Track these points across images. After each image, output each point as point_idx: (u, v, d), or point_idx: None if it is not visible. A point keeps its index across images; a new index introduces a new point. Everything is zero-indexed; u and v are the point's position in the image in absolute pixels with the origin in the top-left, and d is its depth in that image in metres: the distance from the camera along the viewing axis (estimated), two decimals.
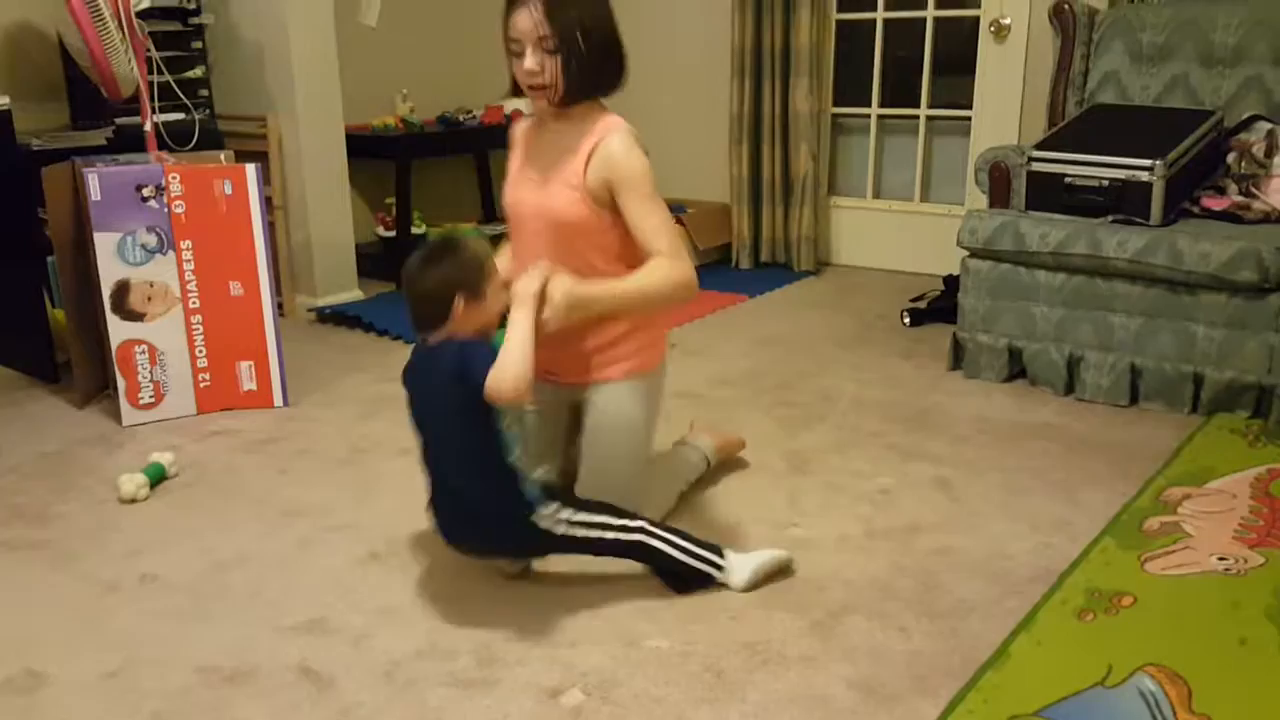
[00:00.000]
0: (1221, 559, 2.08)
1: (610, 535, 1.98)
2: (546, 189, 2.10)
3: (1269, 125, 3.10)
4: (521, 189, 2.17)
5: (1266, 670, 1.73)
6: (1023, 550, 2.17)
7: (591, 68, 2.02)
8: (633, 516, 2.01)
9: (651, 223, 2.03)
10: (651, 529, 2.00)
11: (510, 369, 1.78)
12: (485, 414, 1.85)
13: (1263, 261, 2.68)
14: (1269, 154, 3.03)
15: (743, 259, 4.72)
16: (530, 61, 1.99)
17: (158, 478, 2.54)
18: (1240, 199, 3.01)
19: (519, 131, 2.25)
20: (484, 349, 1.85)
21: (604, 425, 2.16)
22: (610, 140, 2.04)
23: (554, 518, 1.93)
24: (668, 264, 2.02)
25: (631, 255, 2.08)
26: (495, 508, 1.93)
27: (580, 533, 1.95)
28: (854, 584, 2.05)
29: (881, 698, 1.70)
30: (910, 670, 1.77)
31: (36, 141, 3.31)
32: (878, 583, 2.05)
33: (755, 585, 2.02)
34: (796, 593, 2.00)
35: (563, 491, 2.06)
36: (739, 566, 2.02)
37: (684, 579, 2.02)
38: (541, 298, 1.86)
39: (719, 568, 2.02)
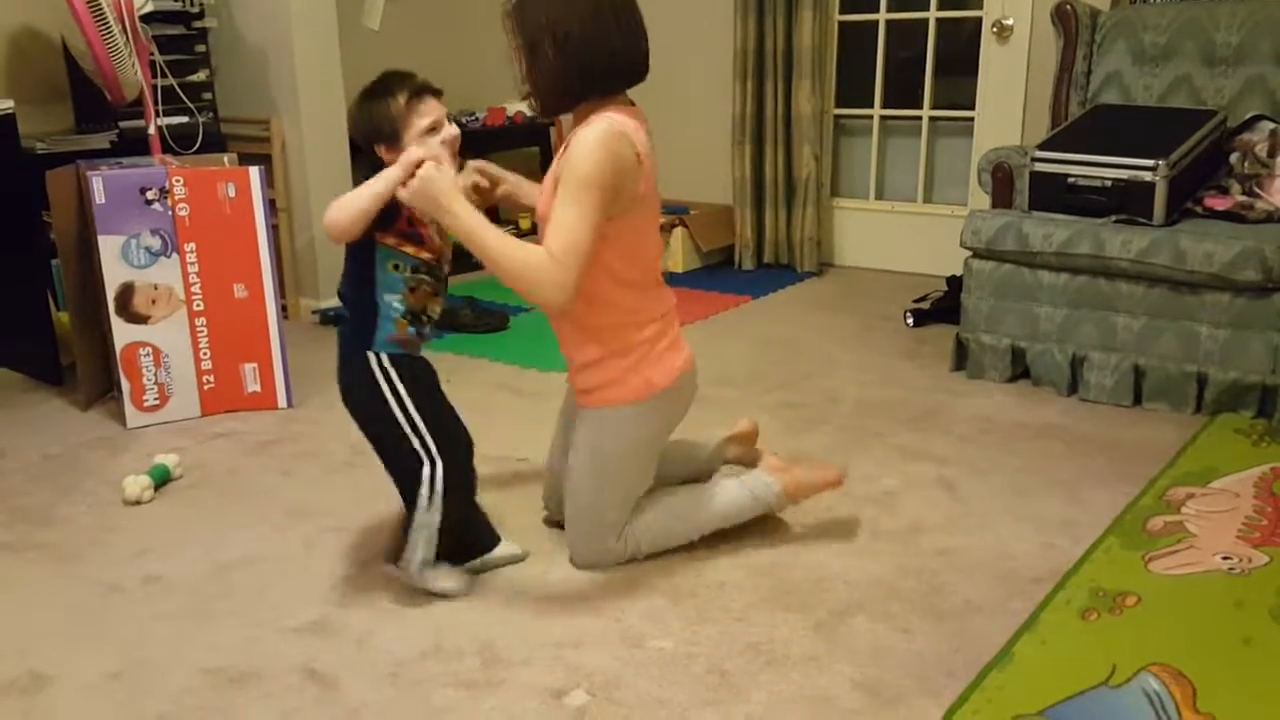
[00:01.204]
0: (1225, 558, 2.08)
1: (405, 438, 1.94)
2: (546, 183, 2.04)
3: (1272, 125, 3.09)
4: (541, 196, 2.09)
5: (1271, 669, 1.72)
6: (1027, 550, 2.17)
7: (566, 71, 1.91)
8: (446, 456, 1.95)
9: (558, 216, 1.87)
10: (439, 477, 1.94)
11: (334, 208, 1.86)
12: (365, 247, 1.93)
13: (1266, 261, 2.68)
14: (1272, 154, 3.03)
15: (746, 260, 4.72)
16: (516, 69, 1.96)
17: (162, 479, 2.55)
18: (1243, 199, 3.01)
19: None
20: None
21: (576, 444, 2.11)
22: (581, 132, 1.90)
23: (383, 369, 1.95)
24: (544, 260, 1.86)
25: (634, 278, 1.99)
26: (349, 335, 1.99)
27: (389, 404, 1.94)
28: (858, 584, 2.05)
29: (886, 698, 1.70)
30: (914, 670, 1.77)
31: (41, 145, 3.32)
32: (882, 583, 2.05)
33: (459, 593, 2.02)
34: (801, 593, 2.00)
35: (413, 366, 2.01)
36: (448, 574, 2.02)
37: (406, 538, 1.97)
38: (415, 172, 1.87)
39: (428, 563, 1.98)
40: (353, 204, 1.87)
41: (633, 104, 2.00)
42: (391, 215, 1.92)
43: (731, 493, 2.16)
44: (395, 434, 1.96)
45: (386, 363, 1.96)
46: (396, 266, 1.95)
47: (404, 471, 1.98)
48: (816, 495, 2.25)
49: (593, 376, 2.06)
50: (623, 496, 2.09)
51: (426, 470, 1.95)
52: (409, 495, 1.97)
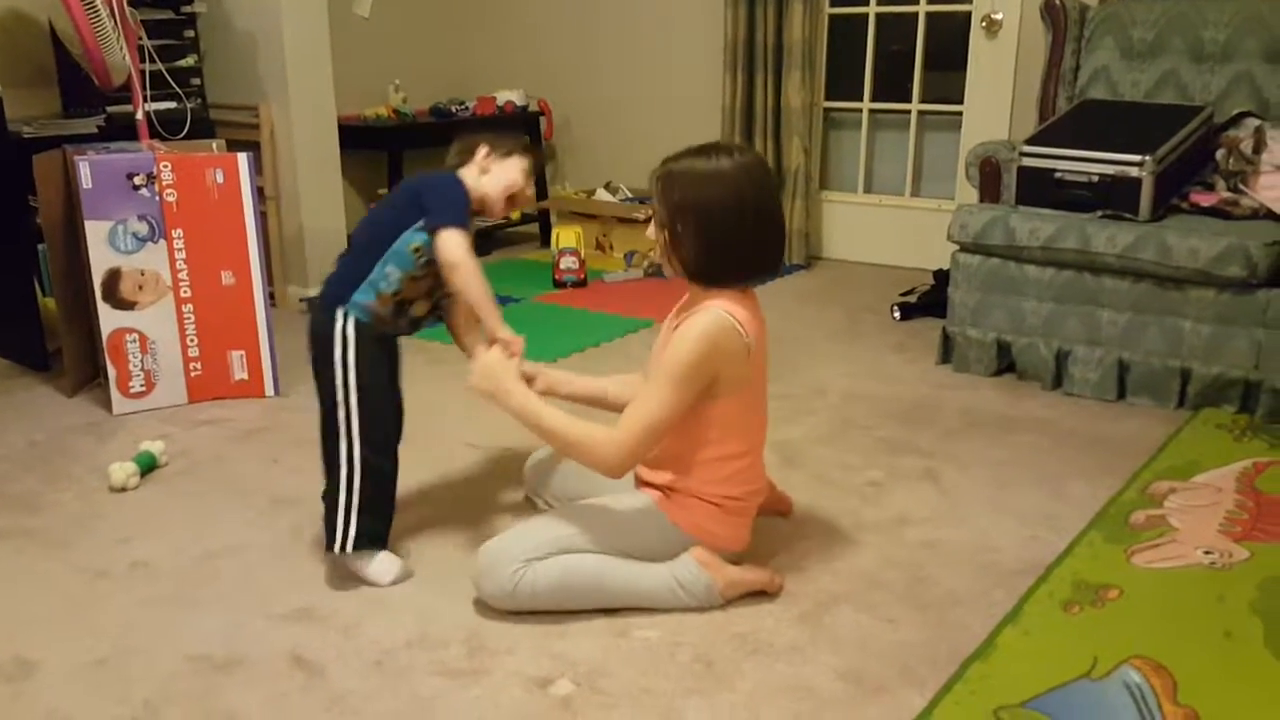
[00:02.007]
0: (1207, 552, 2.10)
1: (337, 407, 1.97)
2: (657, 357, 2.01)
3: (1257, 122, 3.11)
4: (655, 350, 2.06)
5: (1251, 662, 1.74)
6: (1010, 543, 2.18)
7: (697, 253, 1.88)
8: (367, 437, 1.99)
9: (644, 394, 1.87)
10: (356, 456, 1.99)
11: (467, 266, 1.95)
12: (393, 228, 2.00)
13: (1250, 257, 2.70)
14: (1257, 150, 3.05)
15: None
16: (650, 228, 1.96)
17: (148, 466, 2.54)
18: (1228, 195, 3.03)
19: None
20: (460, 191, 2.04)
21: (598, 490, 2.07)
22: (695, 315, 1.87)
23: (344, 333, 1.97)
24: (611, 440, 1.85)
25: (731, 452, 1.94)
26: (331, 283, 2.03)
27: (334, 367, 1.97)
28: (843, 575, 2.06)
29: (869, 688, 1.71)
30: (898, 661, 1.78)
31: (27, 129, 3.30)
32: (866, 574, 2.06)
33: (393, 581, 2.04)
34: (786, 584, 2.01)
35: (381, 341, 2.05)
36: (386, 567, 2.05)
37: (329, 528, 2.02)
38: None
39: (343, 544, 2.01)
40: (473, 284, 1.97)
41: (749, 291, 1.95)
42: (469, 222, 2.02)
43: (652, 571, 1.95)
44: (330, 399, 2.00)
45: (350, 328, 1.99)
46: (418, 250, 1.99)
47: (329, 438, 2.01)
48: (750, 589, 2.03)
49: (657, 480, 2.01)
50: (575, 543, 1.93)
51: (342, 444, 1.99)
52: (331, 466, 2.01)
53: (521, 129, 5.11)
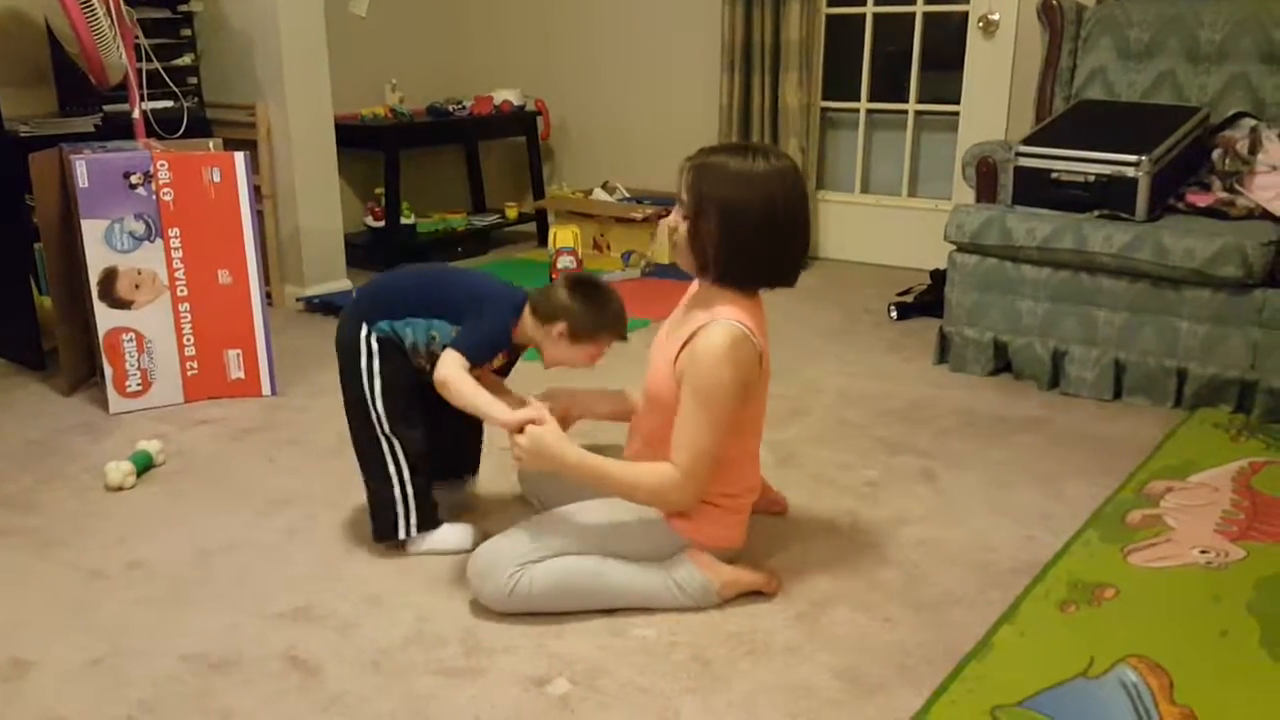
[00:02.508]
0: (1203, 552, 2.10)
1: (369, 413, 2.07)
2: (657, 356, 2.01)
3: (1253, 122, 3.12)
4: (654, 347, 2.05)
5: (1247, 662, 1.75)
6: (1006, 542, 2.18)
7: (719, 250, 1.85)
8: (402, 435, 2.07)
9: (687, 429, 1.85)
10: (399, 450, 2.09)
11: (456, 383, 1.96)
12: (438, 306, 2.07)
13: (1246, 257, 2.70)
14: (1253, 151, 3.05)
15: None
16: (672, 216, 1.93)
17: (145, 466, 2.54)
18: (1224, 195, 3.03)
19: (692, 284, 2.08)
20: (499, 339, 2.06)
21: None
22: (709, 330, 1.84)
23: (369, 345, 2.05)
24: (671, 478, 1.86)
25: (730, 456, 1.92)
26: (364, 303, 2.12)
27: (360, 378, 2.05)
28: (839, 575, 2.06)
29: (866, 687, 1.71)
30: (894, 660, 1.78)
31: (24, 128, 3.30)
32: (863, 574, 2.06)
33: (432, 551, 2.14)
34: (782, 583, 2.01)
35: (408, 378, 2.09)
36: (460, 533, 2.15)
37: (384, 523, 2.13)
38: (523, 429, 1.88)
39: (408, 530, 2.12)
40: (463, 399, 1.97)
41: (756, 295, 1.95)
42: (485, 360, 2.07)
43: (649, 572, 1.95)
44: (360, 401, 2.08)
45: (374, 340, 2.06)
46: (433, 339, 2.07)
47: (361, 438, 2.12)
48: (746, 590, 2.02)
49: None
50: (571, 545, 1.94)
51: (384, 447, 2.09)
52: (374, 468, 2.12)
53: (519, 129, 5.12)
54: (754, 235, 1.84)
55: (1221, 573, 2.02)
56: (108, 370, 2.91)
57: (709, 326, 1.84)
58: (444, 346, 2.02)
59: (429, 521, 2.15)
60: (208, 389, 3.04)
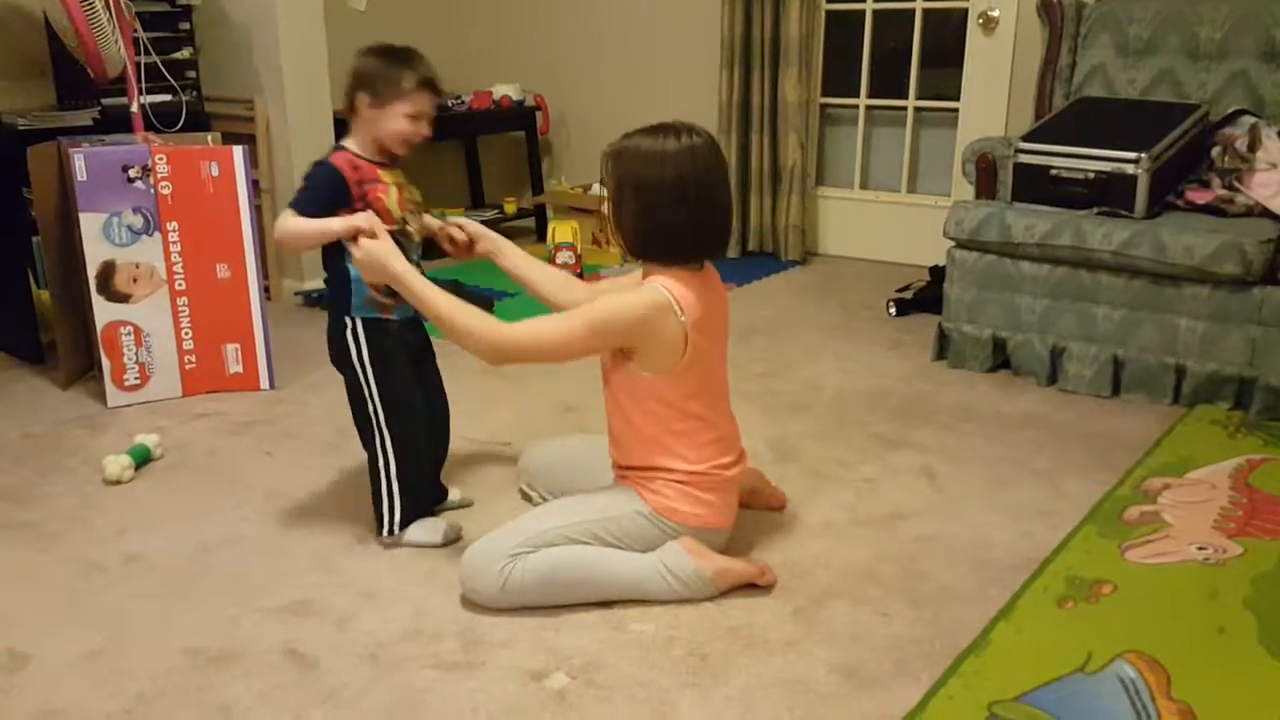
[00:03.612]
0: (1201, 548, 2.10)
1: (365, 402, 2.09)
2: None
3: (1252, 120, 3.12)
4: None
5: (1244, 658, 1.75)
6: (1005, 538, 2.18)
7: (640, 228, 1.93)
8: (397, 427, 2.10)
9: (550, 319, 1.97)
10: (389, 446, 2.11)
11: (285, 231, 2.01)
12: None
13: (1245, 255, 2.70)
14: (1252, 148, 3.05)
15: (730, 248, 4.72)
16: (607, 205, 2.01)
17: (143, 459, 2.54)
18: (1224, 193, 3.03)
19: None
20: (323, 171, 2.03)
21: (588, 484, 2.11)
22: (635, 292, 1.94)
23: (355, 336, 2.06)
24: (488, 328, 1.92)
25: (679, 424, 1.96)
26: (330, 298, 2.12)
27: (354, 370, 2.07)
28: (837, 570, 2.06)
29: (863, 682, 1.71)
30: (892, 655, 1.78)
31: (22, 121, 3.29)
32: (861, 569, 2.07)
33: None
34: (780, 579, 2.01)
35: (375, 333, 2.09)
36: (429, 529, 2.16)
37: (376, 516, 2.16)
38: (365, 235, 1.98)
39: (391, 528, 2.14)
40: (300, 236, 2.01)
41: (706, 267, 2.00)
42: (347, 195, 2.02)
43: (641, 560, 1.95)
44: (358, 397, 2.11)
45: (360, 330, 2.07)
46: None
47: (363, 431, 2.14)
48: (741, 581, 2.00)
49: (629, 461, 2.04)
50: (562, 534, 1.94)
51: (375, 430, 2.11)
52: (370, 459, 2.14)
53: (518, 124, 5.11)
54: (668, 212, 1.90)
55: (1219, 569, 2.02)
56: (106, 364, 2.91)
57: (641, 288, 1.94)
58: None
59: (412, 518, 2.16)
60: (206, 383, 3.03)
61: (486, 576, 1.89)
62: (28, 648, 1.82)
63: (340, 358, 2.10)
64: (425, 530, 2.16)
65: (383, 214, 2.04)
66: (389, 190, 2.07)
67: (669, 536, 1.97)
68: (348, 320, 2.07)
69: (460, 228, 2.19)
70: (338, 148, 2.09)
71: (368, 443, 2.14)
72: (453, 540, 2.15)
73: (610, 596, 1.93)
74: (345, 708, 1.66)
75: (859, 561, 2.09)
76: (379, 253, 1.96)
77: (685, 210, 1.90)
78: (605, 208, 1.99)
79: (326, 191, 2.02)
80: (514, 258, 2.23)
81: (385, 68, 2.04)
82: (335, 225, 1.99)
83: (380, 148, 2.08)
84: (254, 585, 2.02)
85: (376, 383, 2.08)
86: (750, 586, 1.98)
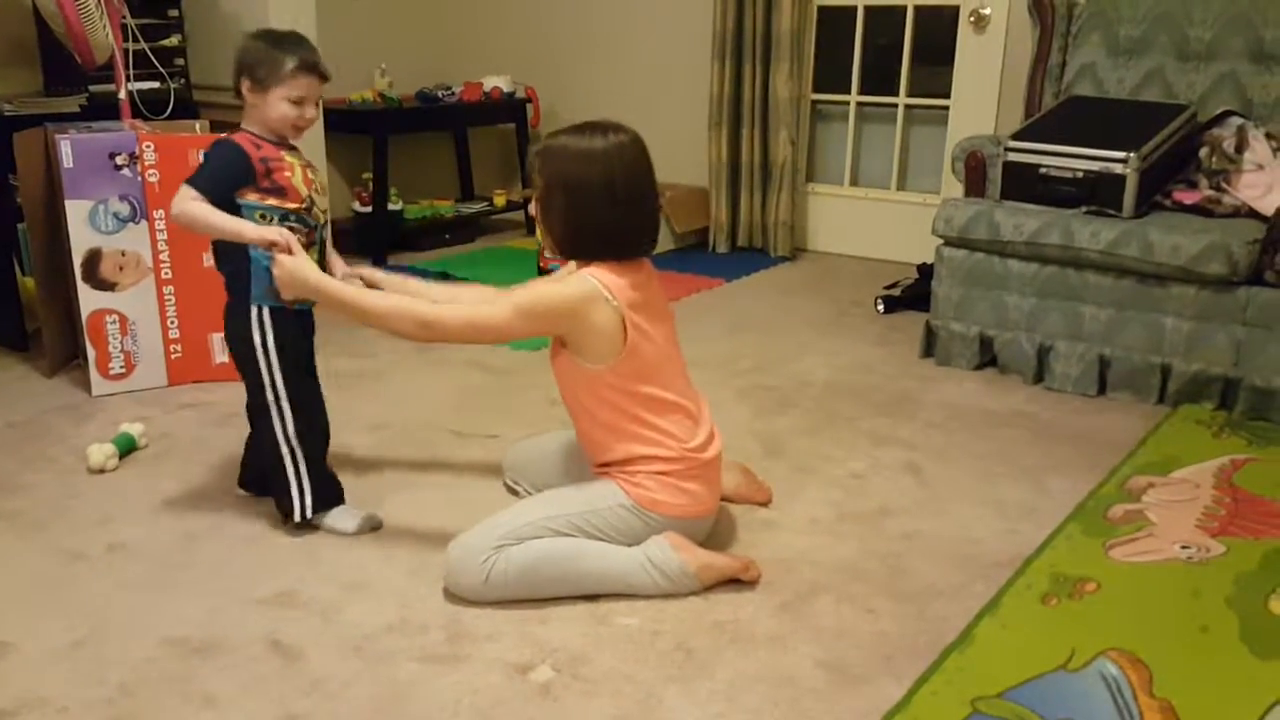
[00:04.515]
0: (1184, 547, 2.11)
1: (263, 389, 2.09)
2: None
3: (1240, 121, 3.13)
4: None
5: (1226, 656, 1.76)
6: (990, 535, 2.19)
7: (568, 225, 1.95)
8: (298, 409, 2.11)
9: (485, 308, 1.98)
10: (289, 423, 2.11)
11: (186, 213, 1.98)
12: (227, 205, 2.01)
13: (1232, 255, 2.72)
14: (1239, 149, 3.06)
15: (720, 243, 4.73)
16: (533, 205, 2.02)
17: (127, 448, 2.53)
18: (1211, 193, 3.04)
19: None
20: (226, 149, 2.02)
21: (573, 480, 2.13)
22: (566, 282, 1.96)
23: (261, 324, 2.07)
24: (415, 310, 1.96)
25: (642, 411, 1.95)
26: (230, 285, 2.11)
27: (256, 357, 2.08)
28: (823, 566, 2.06)
29: (848, 677, 1.72)
30: (877, 651, 1.79)
31: (8, 107, 3.27)
32: (847, 565, 2.07)
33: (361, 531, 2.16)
34: (766, 574, 2.02)
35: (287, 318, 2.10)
36: (346, 517, 2.16)
37: (282, 505, 2.16)
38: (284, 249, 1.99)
39: (303, 512, 2.14)
40: (207, 226, 1.99)
41: (634, 261, 1.98)
42: (252, 173, 2.02)
43: (626, 553, 1.95)
44: (257, 384, 2.11)
45: (267, 319, 2.08)
46: (264, 217, 2.04)
47: (260, 418, 2.14)
48: (728, 570, 2.00)
49: (604, 458, 2.03)
50: (547, 526, 1.94)
51: (276, 417, 2.11)
52: (271, 445, 2.13)
53: (508, 116, 5.10)
54: (597, 209, 1.92)
55: (1202, 568, 2.04)
56: (91, 352, 2.89)
57: (573, 279, 1.95)
58: (259, 207, 2.03)
59: (323, 504, 2.16)
60: (191, 373, 3.02)
61: (470, 570, 1.89)
62: (9, 636, 1.81)
63: (242, 344, 2.09)
64: (342, 517, 2.17)
65: (290, 191, 2.05)
66: (294, 169, 2.08)
67: (653, 529, 1.97)
68: (253, 309, 2.07)
69: (360, 278, 2.15)
70: (236, 129, 2.08)
71: (265, 429, 2.13)
72: (370, 529, 2.17)
73: (593, 590, 1.93)
74: (329, 699, 1.65)
75: (845, 557, 2.10)
76: (299, 271, 1.97)
77: (612, 209, 1.92)
78: (533, 208, 2.01)
79: (230, 169, 2.02)
80: (431, 293, 2.19)
81: (265, 51, 2.02)
82: (249, 232, 1.98)
83: (274, 131, 2.08)
84: (238, 576, 2.02)
85: (280, 370, 2.09)
86: (735, 581, 1.98)
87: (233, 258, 2.07)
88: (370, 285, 2.13)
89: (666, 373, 2.01)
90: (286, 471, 2.13)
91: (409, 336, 2.01)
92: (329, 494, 2.18)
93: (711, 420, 2.09)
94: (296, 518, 2.14)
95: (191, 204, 1.98)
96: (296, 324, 2.13)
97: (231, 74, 2.05)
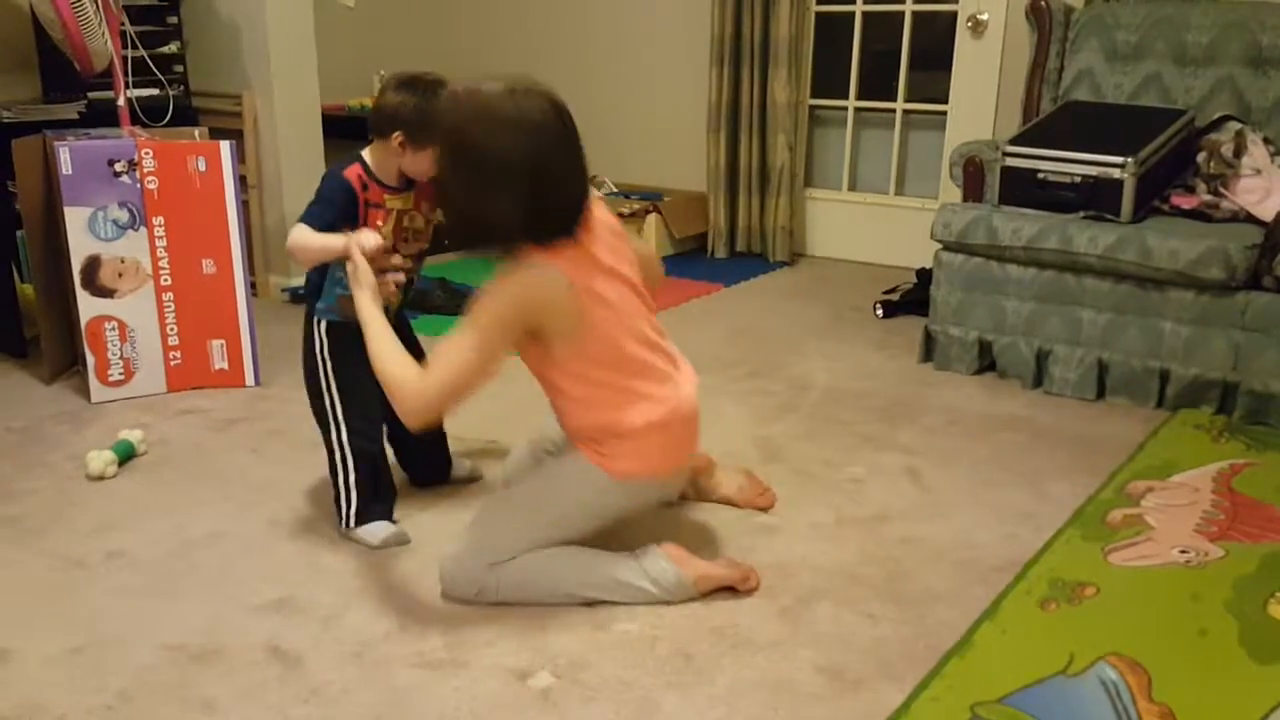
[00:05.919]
0: (1183, 551, 2.11)
1: (320, 396, 2.14)
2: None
3: (1238, 125, 3.13)
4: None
5: (1225, 660, 1.76)
6: (989, 540, 2.19)
7: (456, 215, 1.85)
8: (353, 423, 2.14)
9: (453, 341, 1.78)
10: (344, 438, 2.15)
11: (295, 247, 2.03)
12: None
13: (1230, 260, 2.72)
14: (1237, 154, 3.07)
15: (718, 248, 4.73)
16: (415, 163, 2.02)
17: (126, 455, 2.53)
18: (1209, 198, 3.05)
19: None
20: (335, 184, 2.05)
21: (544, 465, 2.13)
22: (510, 277, 1.82)
23: (319, 335, 2.13)
24: (412, 381, 1.81)
25: (607, 378, 1.87)
26: (307, 295, 2.18)
27: (315, 366, 2.14)
28: (823, 571, 2.06)
29: (848, 683, 1.72)
30: (876, 656, 1.79)
31: (7, 114, 3.27)
32: (846, 570, 2.07)
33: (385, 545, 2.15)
34: (766, 579, 2.02)
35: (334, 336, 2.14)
36: (375, 530, 2.16)
37: (335, 509, 2.20)
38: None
39: (347, 521, 2.17)
40: (305, 250, 2.03)
41: (575, 244, 1.82)
42: (353, 211, 2.06)
43: (620, 564, 1.94)
44: (315, 391, 2.17)
45: (323, 330, 2.14)
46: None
47: (322, 425, 2.19)
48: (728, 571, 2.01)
49: (582, 432, 1.97)
50: (532, 536, 1.93)
51: (332, 426, 2.15)
52: (328, 453, 2.18)
53: None
54: (477, 206, 1.79)
55: (1201, 572, 2.04)
56: (90, 359, 2.90)
57: (515, 271, 1.81)
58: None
59: (367, 518, 2.17)
60: (191, 379, 3.02)
61: (462, 590, 1.93)
62: (8, 643, 1.81)
63: (307, 353, 2.16)
64: (371, 532, 2.16)
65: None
66: (389, 217, 2.09)
67: (634, 498, 1.96)
68: (315, 321, 2.15)
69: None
70: (355, 158, 2.09)
71: (324, 436, 2.18)
72: (395, 545, 2.15)
73: (590, 599, 1.93)
74: (329, 706, 1.65)
75: (844, 562, 2.10)
76: (360, 278, 1.95)
77: (524, 194, 1.74)
78: (418, 168, 1.99)
79: (336, 206, 2.05)
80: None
81: (425, 114, 1.99)
82: (336, 243, 2.00)
83: (399, 175, 2.10)
84: (238, 582, 2.02)
85: (336, 383, 2.14)
86: (734, 588, 1.98)
87: (317, 268, 2.14)
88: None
89: (612, 357, 1.87)
90: (338, 479, 2.17)
91: (408, 417, 1.83)
92: (374, 510, 2.18)
93: (686, 364, 2.00)
94: (341, 527, 2.18)
95: (292, 234, 2.03)
96: (358, 340, 2.03)
97: (374, 119, 2.04)
